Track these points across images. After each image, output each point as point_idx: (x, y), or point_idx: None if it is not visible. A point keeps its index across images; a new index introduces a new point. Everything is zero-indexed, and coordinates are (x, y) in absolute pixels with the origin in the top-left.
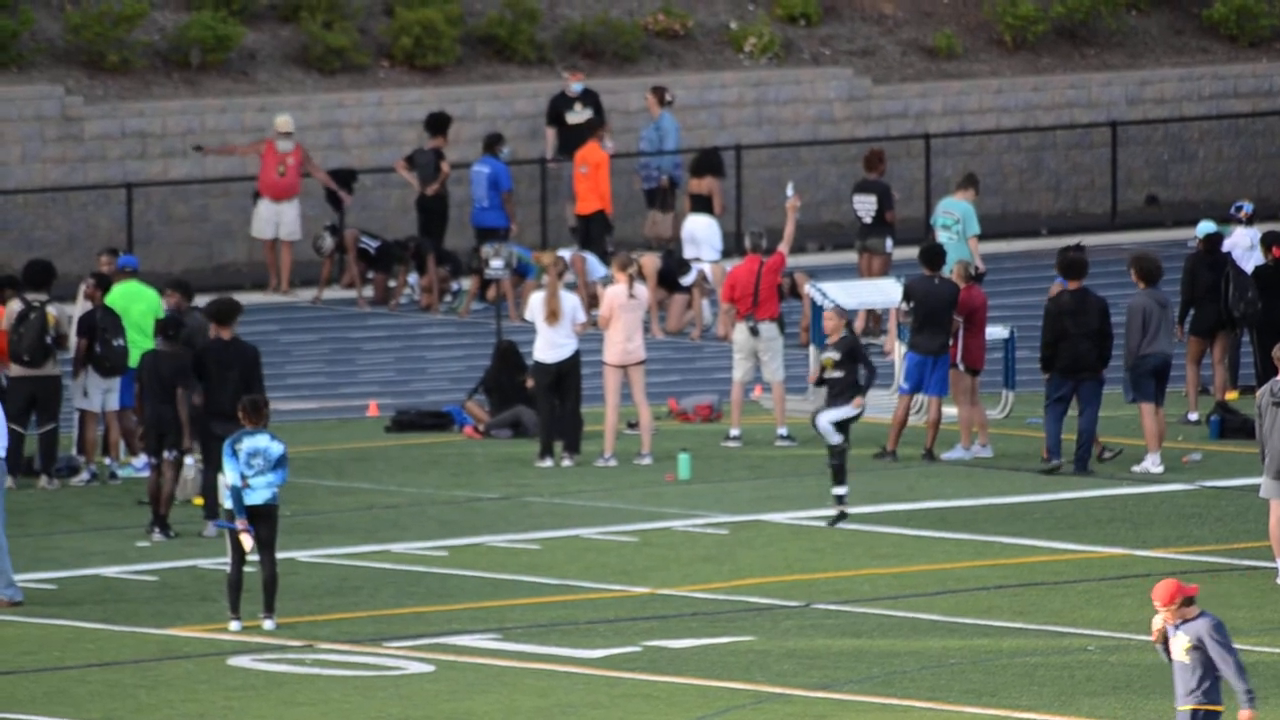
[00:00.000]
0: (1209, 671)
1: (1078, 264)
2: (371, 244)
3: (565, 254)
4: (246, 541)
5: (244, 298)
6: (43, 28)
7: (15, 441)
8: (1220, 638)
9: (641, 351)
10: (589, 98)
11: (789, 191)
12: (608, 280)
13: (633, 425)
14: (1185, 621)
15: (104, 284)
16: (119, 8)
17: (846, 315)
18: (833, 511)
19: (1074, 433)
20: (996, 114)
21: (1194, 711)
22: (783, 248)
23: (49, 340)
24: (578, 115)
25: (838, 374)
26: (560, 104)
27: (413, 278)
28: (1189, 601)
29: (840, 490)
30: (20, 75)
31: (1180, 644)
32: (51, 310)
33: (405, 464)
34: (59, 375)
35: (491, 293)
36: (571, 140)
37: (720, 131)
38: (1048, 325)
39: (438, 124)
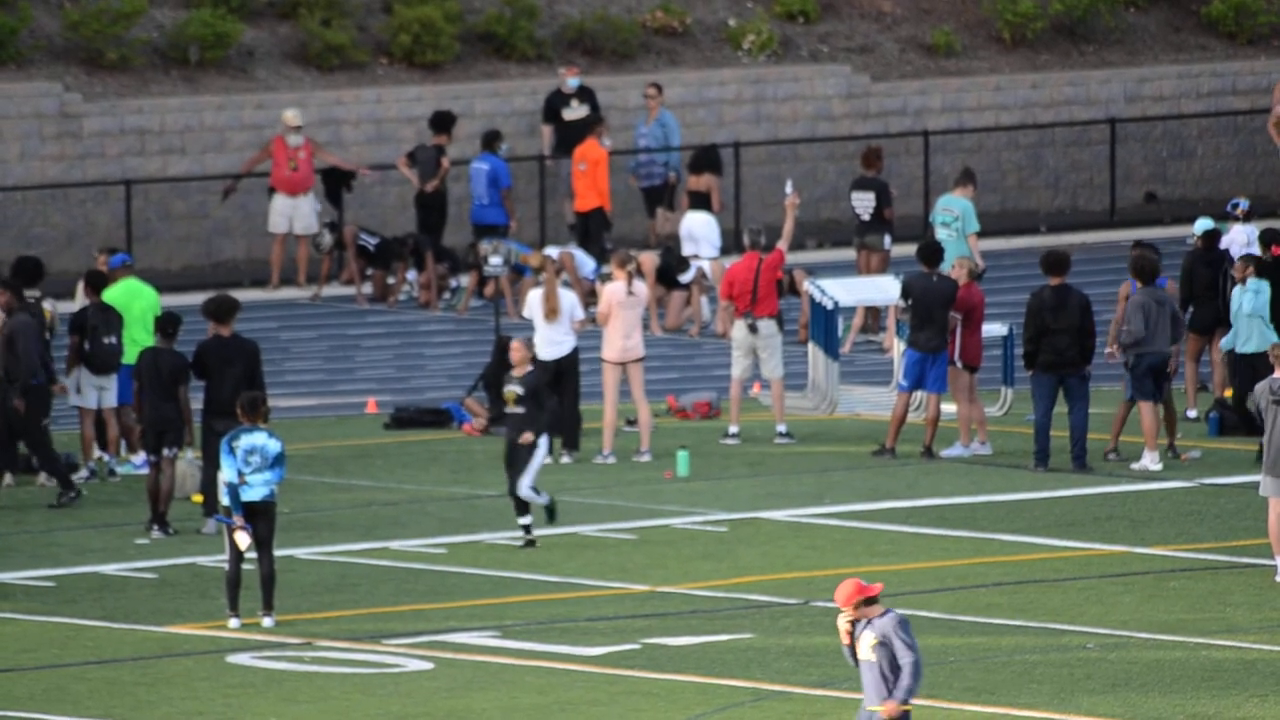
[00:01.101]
0: (896, 669)
1: (1060, 260)
2: (370, 241)
3: (552, 251)
4: (242, 539)
5: (243, 294)
6: (41, 25)
7: (14, 439)
8: (904, 635)
9: (640, 349)
10: (585, 94)
11: (788, 189)
12: (604, 276)
13: (631, 422)
14: (871, 620)
15: (96, 281)
16: (117, 5)
17: (533, 349)
18: (528, 534)
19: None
20: (995, 111)
21: None
22: (781, 245)
23: (47, 337)
24: (574, 111)
25: (519, 410)
26: (556, 100)
27: (411, 274)
28: (871, 601)
29: (525, 520)
30: (19, 72)
31: (866, 641)
32: (48, 306)
33: (404, 461)
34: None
35: (490, 289)
36: (569, 137)
37: (719, 129)
38: (1029, 321)
39: (442, 122)
